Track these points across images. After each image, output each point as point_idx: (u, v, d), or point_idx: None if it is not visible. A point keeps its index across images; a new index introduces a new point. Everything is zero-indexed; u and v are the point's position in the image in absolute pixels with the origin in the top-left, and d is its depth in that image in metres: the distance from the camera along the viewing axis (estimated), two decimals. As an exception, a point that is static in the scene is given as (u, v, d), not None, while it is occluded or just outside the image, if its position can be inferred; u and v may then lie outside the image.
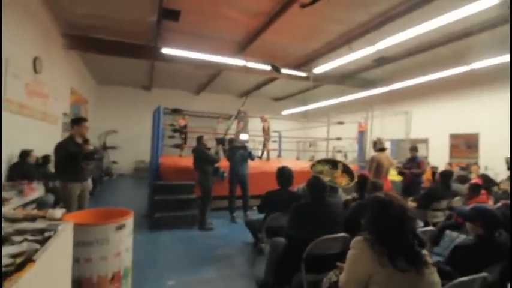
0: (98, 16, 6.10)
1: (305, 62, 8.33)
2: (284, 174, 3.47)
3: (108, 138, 11.75)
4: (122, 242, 2.29)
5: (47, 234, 1.54)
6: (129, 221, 2.40)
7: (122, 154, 11.83)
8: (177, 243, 4.10)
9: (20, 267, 1.14)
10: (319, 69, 8.00)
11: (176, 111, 6.65)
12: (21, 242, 1.43)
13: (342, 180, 3.86)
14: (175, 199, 5.05)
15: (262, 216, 3.44)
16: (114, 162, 11.61)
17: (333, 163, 4.12)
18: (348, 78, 9.86)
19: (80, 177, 3.46)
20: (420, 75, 7.84)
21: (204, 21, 6.15)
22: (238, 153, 5.30)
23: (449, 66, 7.11)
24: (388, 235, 1.41)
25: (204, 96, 13.20)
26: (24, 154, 4.69)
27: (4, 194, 3.33)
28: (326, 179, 3.51)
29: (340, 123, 8.40)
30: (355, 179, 3.60)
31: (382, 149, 4.93)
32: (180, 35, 6.79)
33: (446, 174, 4.33)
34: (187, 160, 6.62)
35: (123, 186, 9.83)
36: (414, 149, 5.56)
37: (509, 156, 5.50)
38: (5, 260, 1.22)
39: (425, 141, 8.87)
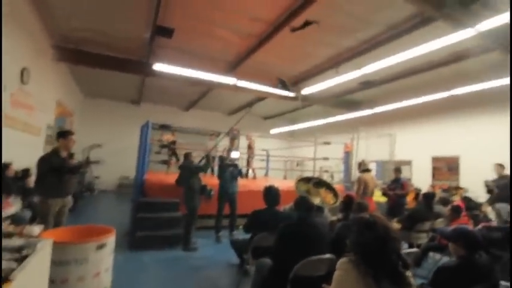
0: (92, 30, 6.14)
1: (294, 83, 8.55)
2: (271, 194, 3.48)
3: (92, 153, 11.43)
4: (102, 262, 2.21)
5: (24, 252, 1.48)
6: (111, 240, 2.33)
7: (106, 169, 11.50)
8: (158, 264, 3.96)
9: (-7, 288, 1.09)
10: (307, 90, 8.23)
11: (164, 127, 6.62)
12: (-4, 260, 1.37)
13: (330, 199, 3.91)
14: (159, 217, 4.92)
15: (248, 236, 3.39)
16: (96, 177, 11.27)
17: (316, 182, 4.18)
18: (335, 100, 10.15)
19: (61, 192, 3.36)
20: (404, 99, 8.18)
21: (197, 39, 6.29)
22: (228, 170, 5.28)
23: (433, 91, 7.47)
24: (373, 255, 1.42)
25: (193, 113, 13.22)
26: (3, 167, 4.51)
27: (-23, 209, 3.17)
28: (316, 199, 3.54)
29: (327, 143, 8.55)
30: (339, 197, 3.65)
31: (367, 170, 5.11)
32: (172, 51, 6.89)
33: (429, 196, 4.45)
34: (173, 177, 6.53)
35: (105, 202, 9.51)
36: (398, 170, 5.73)
37: (487, 179, 5.71)
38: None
39: (408, 163, 9.12)
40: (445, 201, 5.35)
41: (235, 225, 5.29)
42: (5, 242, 1.71)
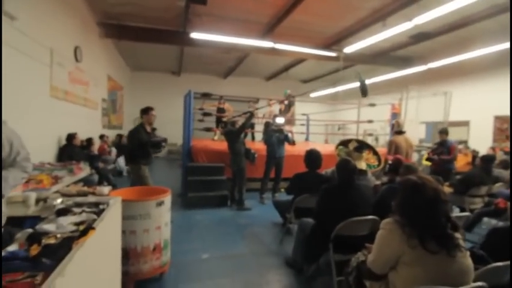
0: (129, 4, 6.30)
1: (335, 42, 8.03)
2: (312, 157, 3.50)
3: (142, 123, 12.32)
4: (161, 217, 2.51)
5: (101, 206, 1.76)
6: (168, 199, 2.61)
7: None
8: (209, 221, 4.35)
9: (83, 233, 1.34)
10: (350, 49, 7.70)
11: (206, 95, 6.80)
12: (80, 213, 1.65)
13: (375, 161, 3.83)
14: (207, 180, 5.31)
15: (289, 197, 3.52)
16: (148, 145, 12.22)
17: (357, 146, 4.07)
18: (382, 57, 9.37)
19: (148, 161, 3.91)
20: (462, 52, 7.24)
21: (231, 3, 6.12)
22: (274, 136, 5.36)
23: (494, 42, 6.47)
24: (420, 217, 1.41)
25: (231, 80, 13.29)
26: (71, 137, 5.14)
27: (57, 173, 3.72)
28: (362, 164, 3.48)
29: (372, 105, 8.09)
30: (382, 160, 3.54)
31: (400, 132, 4.83)
32: (207, 19, 6.84)
33: (488, 159, 4.09)
34: (217, 144, 6.84)
35: (158, 167, 10.39)
36: (444, 132, 5.22)
37: None
38: (70, 227, 1.43)
39: (466, 123, 8.31)
40: (506, 164, 4.86)
41: (278, 187, 5.47)
42: (83, 199, 2.04)
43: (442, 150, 5.08)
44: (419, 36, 7.52)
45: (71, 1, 5.49)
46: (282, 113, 7.18)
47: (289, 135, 5.69)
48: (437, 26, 6.79)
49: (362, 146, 4.09)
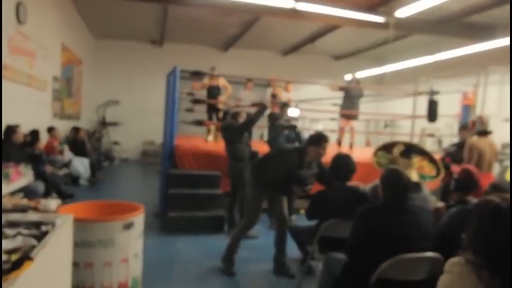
0: None
1: (383, 1, 7.95)
2: (339, 164, 3.47)
3: (109, 112, 12.50)
4: (130, 245, 2.51)
5: (44, 228, 1.76)
6: (139, 219, 2.62)
7: (126, 132, 12.55)
8: (197, 253, 4.34)
9: (16, 266, 1.33)
10: (404, 12, 7.63)
11: (197, 74, 6.82)
12: (14, 236, 1.65)
13: (431, 170, 3.77)
14: (196, 194, 5.31)
15: (311, 223, 3.48)
16: (115, 143, 12.39)
17: (404, 149, 4.03)
18: (450, 25, 9.23)
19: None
20: None
21: None
22: (282, 134, 5.34)
23: None
24: (504, 258, 1.38)
25: (234, 54, 13.32)
26: (10, 131, 5.21)
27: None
28: (414, 175, 3.43)
29: (434, 93, 7.99)
30: (441, 168, 3.48)
31: (484, 133, 4.73)
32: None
33: None
34: (211, 144, 6.85)
35: (128, 174, 10.51)
36: None
37: None
38: (-1, 256, 1.42)
39: None
40: None
41: (294, 207, 5.44)
42: (20, 217, 2.04)
43: None
44: (506, -5, 7.38)
45: None
46: (275, 98, 7.01)
47: (304, 134, 5.65)
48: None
49: (411, 150, 4.04)
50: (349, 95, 7.65)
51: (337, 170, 3.49)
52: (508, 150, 8.61)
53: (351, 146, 8.00)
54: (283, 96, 8.11)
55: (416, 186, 3.42)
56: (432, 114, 7.06)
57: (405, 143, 4.35)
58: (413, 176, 3.48)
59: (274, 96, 7.31)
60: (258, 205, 3.86)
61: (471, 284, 1.40)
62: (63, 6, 8.70)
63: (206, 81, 7.68)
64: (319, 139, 3.64)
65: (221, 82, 7.78)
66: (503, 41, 8.50)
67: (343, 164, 3.48)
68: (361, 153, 6.42)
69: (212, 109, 7.77)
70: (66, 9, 9.09)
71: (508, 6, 7.88)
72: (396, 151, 4.08)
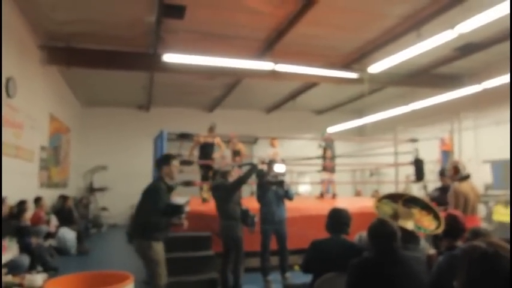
0: (83, 21, 6.71)
1: (356, 59, 8.40)
2: (334, 217, 3.45)
3: (96, 177, 12.34)
4: (119, 318, 2.37)
5: (29, 306, 1.66)
6: (129, 289, 2.50)
7: (114, 197, 12.29)
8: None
9: None
10: (376, 67, 8.02)
11: (184, 137, 6.89)
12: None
13: (429, 222, 3.74)
14: (187, 257, 5.14)
15: (307, 279, 3.38)
16: (103, 208, 12.08)
17: (407, 199, 4.01)
18: (420, 77, 9.73)
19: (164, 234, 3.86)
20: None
21: (216, 16, 6.52)
22: (270, 190, 5.33)
23: None
24: None
25: (219, 114, 13.58)
26: (-5, 204, 5.07)
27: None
28: (409, 224, 3.41)
29: (413, 140, 8.21)
30: (442, 221, 3.45)
31: (466, 178, 4.83)
32: (185, 36, 7.22)
33: None
34: (202, 204, 6.75)
35: (116, 240, 10.12)
36: None
37: None
38: None
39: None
40: None
41: (288, 264, 5.28)
42: (5, 295, 1.93)
43: None
44: (467, 48, 7.90)
45: (3, 17, 5.77)
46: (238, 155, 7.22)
47: (291, 189, 5.67)
48: (489, 33, 7.17)
49: (415, 202, 4.02)
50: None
51: (330, 223, 3.46)
52: (491, 192, 8.73)
53: (333, 196, 8.34)
54: (270, 152, 8.22)
55: (415, 238, 3.40)
56: (419, 173, 7.31)
57: (412, 196, 4.32)
58: (409, 226, 3.46)
59: (236, 153, 7.44)
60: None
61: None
62: (52, 77, 8.89)
63: (201, 138, 7.62)
64: (167, 158, 4.03)
65: (216, 140, 7.76)
66: (471, 89, 8.96)
67: (335, 217, 3.46)
68: (351, 203, 6.41)
69: (205, 167, 7.54)
70: (54, 80, 9.28)
71: (471, 58, 8.44)
72: (400, 201, 4.05)
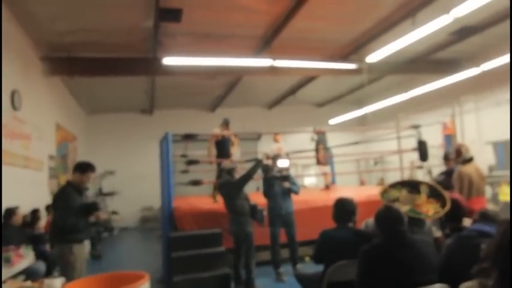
0: (82, 30, 6.73)
1: (353, 50, 8.39)
2: (340, 206, 3.47)
3: (104, 182, 12.43)
4: (138, 316, 2.42)
5: (51, 308, 1.71)
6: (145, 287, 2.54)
7: (123, 201, 12.39)
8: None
9: None
10: (374, 57, 8.00)
11: (189, 137, 6.94)
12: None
13: (429, 208, 3.74)
14: (199, 255, 5.19)
15: (319, 269, 3.41)
16: (114, 212, 12.18)
17: (413, 186, 4.02)
18: (418, 63, 9.70)
19: (84, 236, 3.89)
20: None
21: (212, 17, 6.54)
22: (276, 184, 5.37)
23: None
24: None
25: (221, 113, 13.57)
26: (9, 214, 5.14)
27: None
28: (405, 208, 3.43)
29: (416, 126, 8.20)
30: (448, 203, 3.47)
31: (469, 160, 4.82)
32: (183, 39, 7.25)
33: None
34: (208, 202, 6.80)
35: (129, 242, 10.24)
36: None
37: None
38: None
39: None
40: None
41: (298, 256, 5.35)
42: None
43: None
44: (463, 32, 7.86)
45: (4, 32, 5.86)
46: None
47: (297, 183, 5.71)
48: (485, 15, 7.12)
49: (418, 187, 4.01)
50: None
51: (336, 213, 3.49)
52: (496, 173, 8.71)
53: (327, 187, 8.55)
54: (274, 147, 8.25)
55: (419, 222, 3.42)
56: (423, 154, 7.28)
57: (422, 182, 4.30)
58: (403, 209, 3.47)
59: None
60: None
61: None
62: (56, 87, 8.97)
63: (218, 131, 7.30)
64: (85, 167, 4.05)
65: (231, 135, 7.41)
66: (470, 72, 8.92)
67: (341, 206, 3.49)
68: (357, 192, 6.43)
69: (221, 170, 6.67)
70: (59, 90, 9.36)
71: (468, 41, 8.40)
72: (406, 188, 4.03)
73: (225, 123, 7.35)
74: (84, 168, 4.05)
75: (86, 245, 3.99)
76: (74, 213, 3.71)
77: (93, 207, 3.95)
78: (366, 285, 2.47)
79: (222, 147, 7.16)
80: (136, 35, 7.04)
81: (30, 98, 6.84)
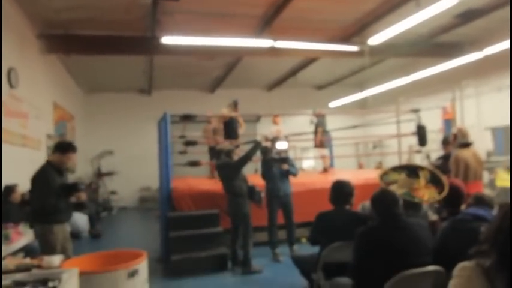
0: (80, 7, 6.62)
1: (355, 32, 8.28)
2: (336, 189, 3.50)
3: (103, 162, 12.48)
4: (136, 293, 2.47)
5: (50, 284, 1.74)
6: (143, 265, 2.59)
7: (122, 181, 12.47)
8: (204, 294, 4.24)
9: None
10: (376, 39, 7.91)
11: (188, 118, 6.91)
12: (22, 295, 1.63)
13: (425, 193, 3.77)
14: (197, 235, 5.25)
15: (315, 250, 3.46)
16: (112, 192, 12.27)
17: (412, 170, 4.04)
18: (421, 46, 9.61)
19: (65, 216, 3.86)
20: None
21: (212, -6, 6.43)
22: (274, 166, 5.40)
23: None
24: None
25: (221, 94, 13.53)
26: (8, 191, 5.17)
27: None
28: (400, 191, 3.46)
29: (415, 110, 8.19)
30: (446, 190, 3.50)
31: (466, 144, 4.83)
32: (182, 17, 7.13)
33: None
34: (206, 182, 6.85)
35: (127, 222, 10.36)
36: None
37: None
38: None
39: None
40: None
41: (295, 237, 5.43)
42: (26, 276, 2.02)
43: None
44: (468, 14, 7.75)
45: (3, 11, 5.78)
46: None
47: (295, 165, 5.74)
48: (490, -2, 7.03)
49: (417, 172, 4.02)
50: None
51: (333, 195, 3.52)
52: (494, 158, 8.75)
53: (325, 170, 8.50)
54: (273, 129, 8.25)
55: (415, 205, 3.46)
56: (422, 139, 7.28)
57: (422, 166, 4.31)
58: (398, 192, 3.51)
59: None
60: None
61: (480, 286, 1.38)
62: (53, 66, 8.89)
63: (226, 112, 7.17)
64: (65, 147, 3.97)
65: (240, 117, 7.21)
66: (472, 57, 8.85)
67: (338, 189, 3.52)
68: (355, 176, 6.47)
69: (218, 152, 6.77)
70: (56, 68, 9.27)
71: (472, 24, 8.30)
72: (405, 172, 4.04)
73: (234, 104, 7.25)
74: (65, 148, 3.97)
75: (67, 225, 3.93)
76: (54, 193, 3.65)
77: (74, 188, 3.88)
78: (361, 266, 2.51)
79: (230, 128, 6.90)
80: (135, 13, 6.91)
81: (27, 76, 6.78)
